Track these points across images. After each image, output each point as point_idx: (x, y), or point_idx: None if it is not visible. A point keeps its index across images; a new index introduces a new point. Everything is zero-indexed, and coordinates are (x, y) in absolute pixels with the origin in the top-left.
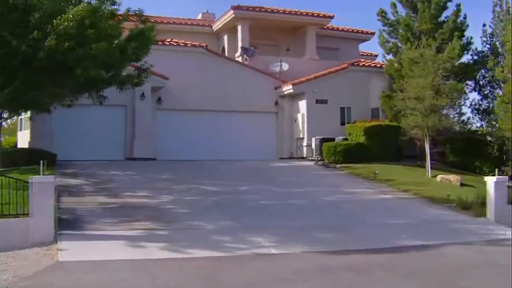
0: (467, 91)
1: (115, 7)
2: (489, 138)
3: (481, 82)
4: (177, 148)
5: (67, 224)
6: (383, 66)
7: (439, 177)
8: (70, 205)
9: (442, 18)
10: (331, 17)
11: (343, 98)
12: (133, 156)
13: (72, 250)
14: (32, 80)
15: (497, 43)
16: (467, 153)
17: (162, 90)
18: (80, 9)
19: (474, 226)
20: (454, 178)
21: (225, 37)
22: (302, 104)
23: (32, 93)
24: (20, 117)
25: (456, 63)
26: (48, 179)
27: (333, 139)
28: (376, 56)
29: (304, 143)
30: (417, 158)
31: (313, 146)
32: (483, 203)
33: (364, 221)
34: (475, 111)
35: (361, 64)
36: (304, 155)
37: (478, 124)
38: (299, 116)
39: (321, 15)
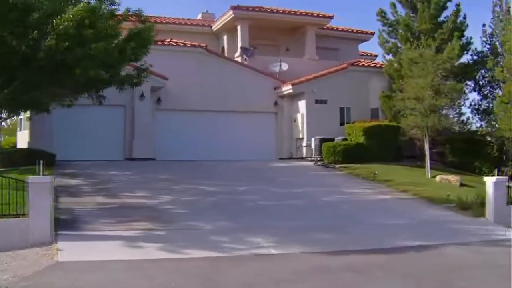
0: (466, 91)
1: (115, 7)
2: (489, 138)
3: (480, 82)
4: (176, 148)
5: (66, 224)
6: (383, 66)
7: (438, 177)
8: (68, 205)
9: (441, 18)
10: (331, 17)
11: (342, 98)
12: (132, 156)
13: (71, 250)
14: (32, 80)
15: (496, 43)
16: (467, 153)
17: (162, 90)
18: (79, 9)
19: (473, 227)
20: (453, 178)
21: (225, 37)
22: (302, 104)
23: (32, 93)
24: (19, 117)
25: (456, 63)
26: (46, 179)
27: (332, 139)
28: (376, 56)
29: (304, 143)
30: (416, 158)
31: (313, 146)
32: (482, 204)
33: (363, 221)
34: (475, 111)
35: (360, 64)
36: (304, 155)
37: (478, 124)
38: (299, 116)
39: (320, 15)
